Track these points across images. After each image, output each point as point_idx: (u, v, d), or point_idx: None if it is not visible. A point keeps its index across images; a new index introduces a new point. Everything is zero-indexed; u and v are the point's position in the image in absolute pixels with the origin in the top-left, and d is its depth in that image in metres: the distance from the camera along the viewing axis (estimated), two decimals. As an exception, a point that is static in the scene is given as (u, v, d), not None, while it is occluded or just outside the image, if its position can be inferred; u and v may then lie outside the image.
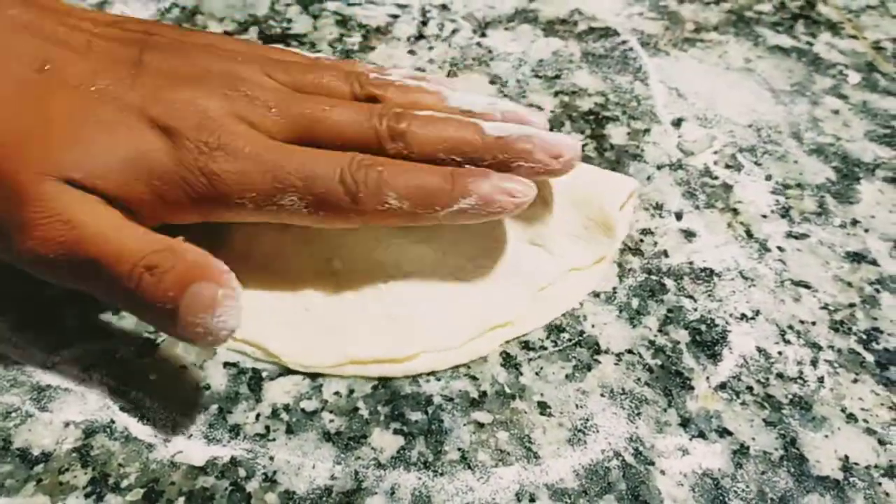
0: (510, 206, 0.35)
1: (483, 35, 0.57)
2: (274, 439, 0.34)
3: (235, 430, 0.34)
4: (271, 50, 0.43)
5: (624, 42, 0.58)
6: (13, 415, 0.34)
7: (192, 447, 0.34)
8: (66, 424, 0.34)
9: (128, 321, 0.38)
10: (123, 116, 0.34)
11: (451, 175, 0.35)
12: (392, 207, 0.35)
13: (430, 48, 0.56)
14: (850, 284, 0.41)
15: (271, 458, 0.33)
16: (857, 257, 0.43)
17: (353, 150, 0.36)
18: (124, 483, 0.32)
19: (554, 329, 0.39)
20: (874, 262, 0.42)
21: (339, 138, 0.36)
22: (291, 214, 0.35)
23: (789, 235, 0.44)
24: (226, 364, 0.37)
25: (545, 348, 0.38)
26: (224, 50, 0.39)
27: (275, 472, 0.33)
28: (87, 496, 0.32)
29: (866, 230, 0.44)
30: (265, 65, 0.38)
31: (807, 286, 0.41)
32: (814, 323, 0.39)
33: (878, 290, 0.41)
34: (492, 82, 0.53)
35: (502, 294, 0.39)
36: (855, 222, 0.45)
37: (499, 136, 0.37)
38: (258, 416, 0.35)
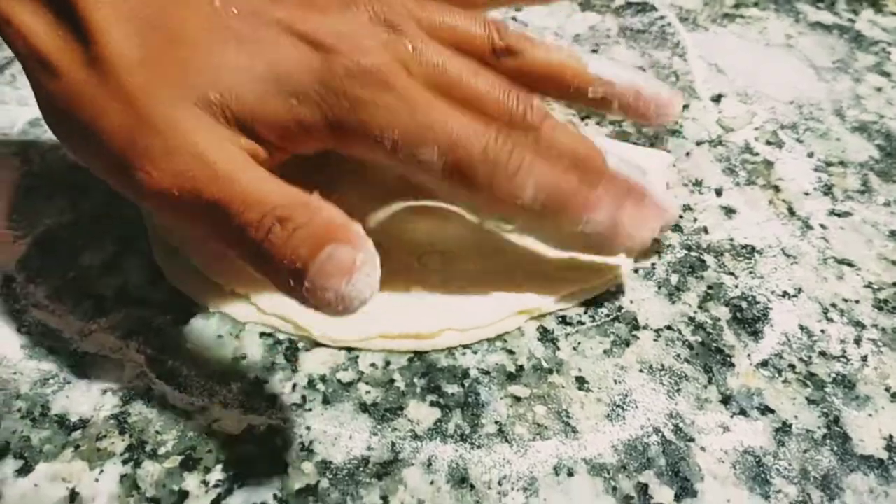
0: (649, 228, 0.35)
1: (518, 9, 0.56)
2: (310, 409, 0.34)
3: (272, 400, 0.34)
4: None
5: (662, 17, 0.57)
6: (51, 381, 0.34)
7: (228, 416, 0.33)
8: (104, 392, 0.34)
9: (164, 291, 0.38)
10: (266, 33, 0.32)
11: (590, 184, 0.34)
12: (524, 202, 0.34)
13: (466, 22, 0.55)
14: (894, 263, 0.41)
15: (308, 428, 0.33)
16: (901, 236, 0.42)
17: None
18: (161, 450, 0.32)
19: (592, 304, 0.38)
20: (919, 241, 0.42)
21: (478, 104, 0.34)
22: (422, 170, 0.33)
23: (832, 213, 0.43)
24: (262, 334, 0.37)
25: (583, 323, 0.37)
26: None
27: (311, 442, 0.33)
28: (124, 462, 0.32)
29: (911, 209, 0.43)
30: (406, 4, 0.36)
31: (850, 264, 0.40)
32: (857, 301, 0.39)
33: (923, 270, 0.40)
34: (528, 57, 0.52)
35: (535, 279, 0.38)
36: (899, 201, 0.44)
37: (615, 172, 0.35)
38: (294, 386, 0.35)
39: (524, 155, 0.33)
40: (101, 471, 0.32)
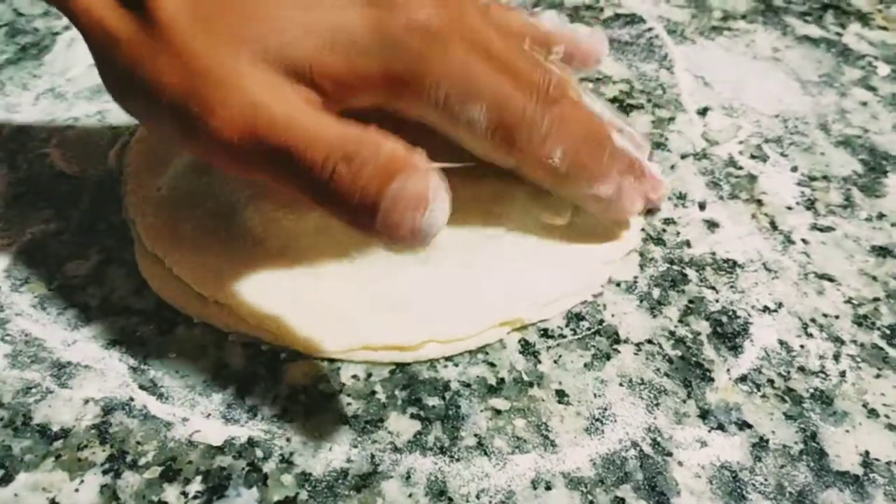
0: (637, 201, 0.40)
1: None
2: (291, 420, 0.34)
3: (253, 411, 0.34)
4: None
5: (650, 29, 0.57)
6: (33, 391, 0.35)
7: (209, 427, 0.34)
8: (86, 401, 0.34)
9: (148, 301, 0.38)
10: None
11: (611, 153, 0.38)
12: (554, 164, 0.37)
13: (455, 33, 0.55)
14: (874, 279, 0.41)
15: (288, 440, 0.33)
16: (882, 251, 0.42)
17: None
18: (142, 461, 0.32)
19: (573, 317, 0.39)
20: (900, 257, 0.42)
21: (513, 76, 0.36)
22: (468, 128, 0.36)
23: (814, 228, 0.43)
24: (244, 345, 0.37)
25: (564, 336, 0.38)
26: None
27: (291, 454, 0.33)
28: (104, 472, 0.32)
29: (893, 224, 0.44)
30: None
31: (831, 279, 0.41)
32: (837, 317, 0.39)
33: (903, 285, 0.41)
34: (516, 68, 0.53)
35: (517, 288, 0.39)
36: (881, 216, 0.44)
37: (620, 150, 0.39)
38: (276, 397, 0.35)
39: (553, 122, 0.36)
40: (82, 481, 0.32)
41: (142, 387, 0.35)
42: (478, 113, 0.35)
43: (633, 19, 0.58)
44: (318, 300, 0.38)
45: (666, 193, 0.43)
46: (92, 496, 0.31)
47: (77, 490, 0.31)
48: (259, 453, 0.33)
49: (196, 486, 0.32)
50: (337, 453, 0.33)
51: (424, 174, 0.28)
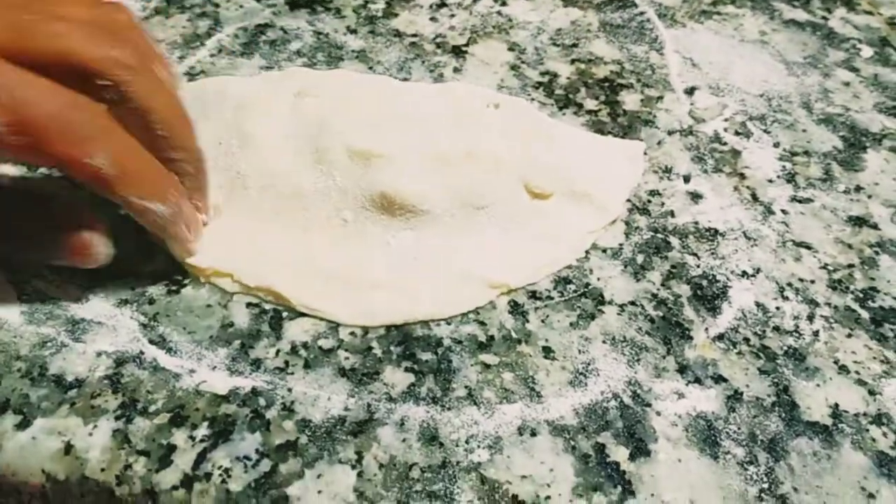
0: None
1: (504, 4, 0.59)
2: (292, 373, 0.36)
3: (256, 364, 0.36)
4: None
5: (642, 13, 0.59)
6: (49, 344, 0.37)
7: (215, 378, 0.36)
8: (98, 354, 0.36)
9: (158, 263, 0.40)
10: None
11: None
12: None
13: (452, 15, 0.57)
14: (850, 246, 0.43)
15: (289, 390, 0.35)
16: (858, 221, 0.44)
17: None
18: (152, 408, 0.34)
19: (561, 281, 0.40)
20: (875, 227, 0.44)
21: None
22: None
23: (794, 199, 0.45)
24: (248, 304, 0.39)
25: (551, 298, 0.40)
26: None
27: (292, 402, 0.35)
28: (117, 419, 0.34)
29: (869, 196, 0.45)
30: None
31: (808, 247, 0.43)
32: (812, 281, 0.41)
33: (877, 253, 0.42)
34: (510, 49, 0.55)
35: (503, 255, 0.41)
36: (859, 188, 0.46)
37: None
38: (278, 351, 0.37)
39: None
40: (95, 426, 0.34)
41: (151, 341, 0.37)
42: None
43: (625, 3, 0.60)
44: (315, 268, 0.40)
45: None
46: (105, 440, 0.33)
47: (91, 434, 0.33)
48: (262, 402, 0.35)
49: (203, 430, 0.34)
50: (335, 402, 0.35)
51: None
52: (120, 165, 0.34)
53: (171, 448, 0.33)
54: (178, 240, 0.38)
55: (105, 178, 0.34)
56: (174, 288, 0.39)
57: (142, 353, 0.37)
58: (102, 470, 0.33)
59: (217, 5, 0.57)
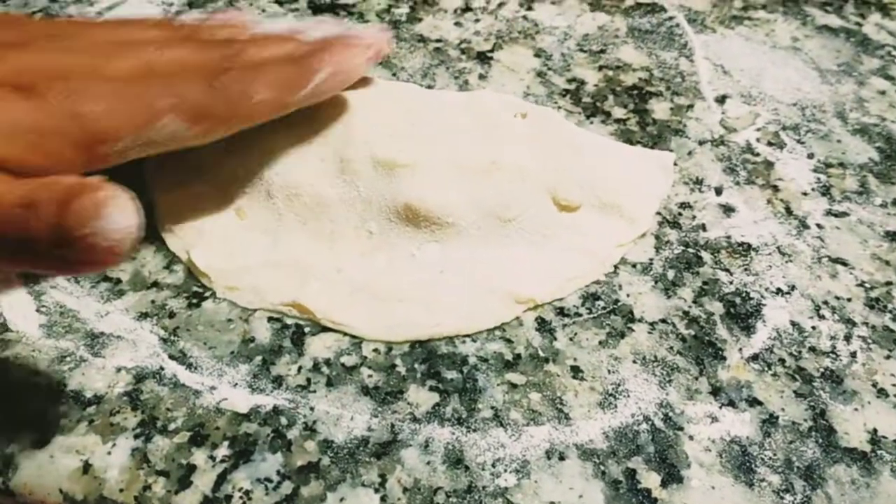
0: (363, 55, 0.40)
1: (529, 8, 0.58)
2: (314, 391, 0.35)
3: (278, 381, 0.36)
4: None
5: (671, 18, 0.58)
6: (68, 359, 0.36)
7: (236, 395, 0.35)
8: (118, 370, 0.36)
9: (177, 275, 0.40)
10: None
11: (298, 58, 0.39)
12: (261, 100, 0.37)
13: (477, 20, 0.56)
14: (887, 263, 0.41)
15: (311, 409, 0.35)
16: (896, 237, 0.43)
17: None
18: (171, 426, 0.34)
19: (589, 297, 0.39)
20: (914, 242, 0.43)
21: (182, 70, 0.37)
22: (173, 137, 0.36)
23: (829, 213, 0.44)
24: (270, 319, 0.38)
25: (580, 315, 0.39)
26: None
27: (314, 422, 0.34)
28: (136, 437, 0.33)
29: (907, 210, 0.44)
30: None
31: (844, 263, 0.41)
32: (849, 299, 0.40)
33: (916, 270, 0.41)
34: (536, 55, 0.54)
35: (529, 269, 0.40)
36: (896, 202, 0.45)
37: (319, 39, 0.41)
38: (300, 368, 0.36)
39: (239, 71, 0.37)
40: (114, 444, 0.33)
41: (171, 357, 0.36)
42: (165, 122, 0.35)
43: (653, 8, 0.58)
44: (339, 280, 0.39)
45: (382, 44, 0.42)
46: (123, 459, 0.33)
47: (109, 453, 0.33)
48: (284, 421, 0.34)
49: (223, 450, 0.33)
50: (358, 422, 0.34)
51: (96, 186, 0.28)
52: (272, 88, 0.38)
53: (191, 468, 0.32)
54: (361, 60, 0.41)
55: (270, 105, 0.38)
56: (195, 301, 0.39)
57: (162, 368, 0.36)
58: (121, 490, 0.32)
59: (239, 10, 0.56)
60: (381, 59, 0.44)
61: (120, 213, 0.28)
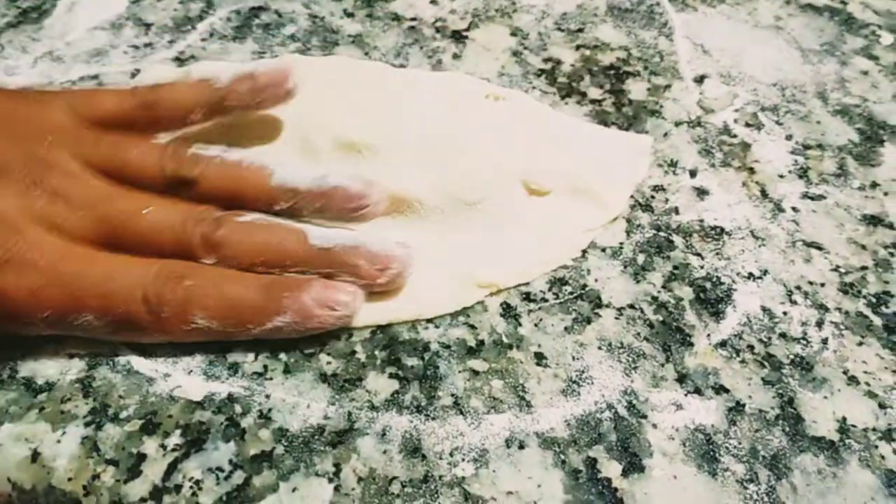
0: (330, 320, 0.34)
1: (507, -13, 0.56)
2: (271, 378, 0.34)
3: (234, 368, 0.35)
4: (84, 120, 0.38)
5: (651, -4, 0.56)
6: (20, 345, 0.35)
7: (190, 383, 0.34)
8: (71, 356, 0.35)
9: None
10: None
11: (266, 288, 0.34)
12: (199, 327, 0.34)
13: (453, -1, 0.55)
14: (863, 247, 0.41)
15: (267, 396, 0.34)
16: (873, 220, 0.42)
17: (166, 256, 0.34)
18: (123, 414, 0.33)
19: (557, 282, 0.39)
20: (890, 226, 0.42)
21: (151, 244, 0.34)
22: (90, 332, 0.34)
23: (805, 196, 0.43)
24: (229, 304, 0.37)
25: (546, 300, 0.38)
26: (34, 128, 0.36)
27: (270, 410, 0.33)
28: (86, 425, 0.33)
29: (885, 193, 0.43)
30: (76, 145, 0.36)
31: (819, 247, 0.40)
32: (822, 284, 0.39)
33: (892, 254, 0.40)
34: (513, 34, 0.52)
35: (494, 253, 0.39)
36: (875, 185, 0.44)
37: (323, 248, 0.35)
38: (257, 355, 0.35)
39: (190, 280, 0.34)
40: (64, 432, 0.32)
41: (126, 343, 0.35)
42: (84, 319, 0.33)
43: (634, -14, 0.57)
44: None
45: (396, 266, 0.36)
46: (73, 447, 0.32)
47: (59, 441, 0.32)
48: (238, 409, 0.33)
49: (175, 439, 0.32)
50: (314, 410, 0.33)
51: None
52: (219, 317, 0.34)
53: (142, 457, 0.32)
54: (328, 324, 0.35)
55: (213, 333, 0.34)
56: (153, 286, 0.38)
57: (116, 355, 0.35)
58: (70, 479, 0.31)
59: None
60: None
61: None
